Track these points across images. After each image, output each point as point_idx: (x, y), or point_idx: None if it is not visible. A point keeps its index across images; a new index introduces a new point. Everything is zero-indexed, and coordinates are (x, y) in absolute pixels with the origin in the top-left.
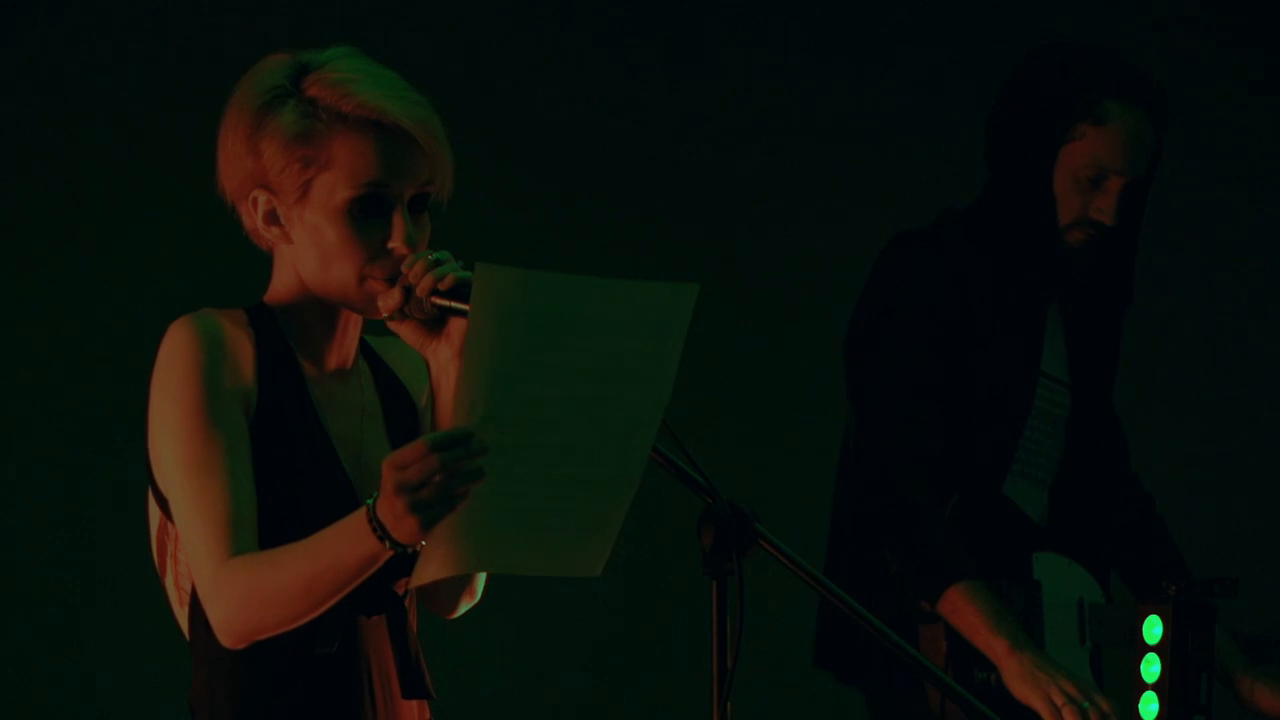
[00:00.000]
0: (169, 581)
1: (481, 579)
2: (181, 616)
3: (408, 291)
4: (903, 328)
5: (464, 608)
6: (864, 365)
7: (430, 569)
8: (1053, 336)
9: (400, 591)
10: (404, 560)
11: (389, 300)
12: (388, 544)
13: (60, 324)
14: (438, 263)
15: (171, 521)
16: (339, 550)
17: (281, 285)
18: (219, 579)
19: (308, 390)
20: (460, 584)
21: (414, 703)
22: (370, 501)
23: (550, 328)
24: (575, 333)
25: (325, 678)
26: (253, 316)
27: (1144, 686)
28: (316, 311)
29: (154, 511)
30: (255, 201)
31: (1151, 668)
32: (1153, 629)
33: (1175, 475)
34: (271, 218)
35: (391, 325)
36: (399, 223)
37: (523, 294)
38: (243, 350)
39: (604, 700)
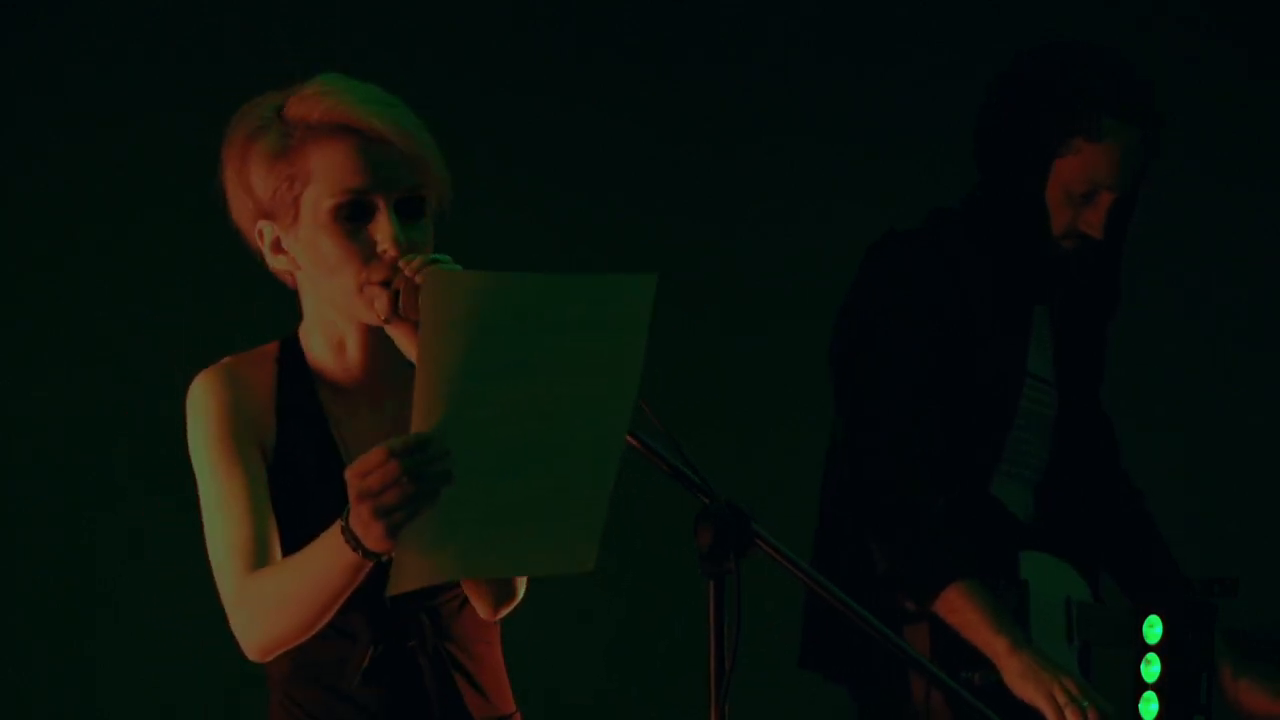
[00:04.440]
0: None
1: (522, 581)
2: None
3: (397, 294)
4: (903, 327)
5: (504, 610)
6: (862, 365)
7: (406, 578)
8: (1040, 337)
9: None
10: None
11: (379, 306)
12: (360, 553)
13: (59, 324)
14: (434, 262)
15: None
16: (322, 563)
17: (308, 312)
18: (239, 594)
19: (328, 429)
20: (502, 588)
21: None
22: (345, 512)
23: (504, 328)
24: (531, 331)
25: (376, 707)
26: (283, 351)
27: (1144, 686)
28: (334, 334)
29: None
30: (261, 234)
31: (1151, 668)
32: (1153, 629)
33: (1174, 475)
34: (278, 246)
35: (389, 330)
36: (384, 224)
37: (471, 297)
38: (259, 399)
39: (602, 700)
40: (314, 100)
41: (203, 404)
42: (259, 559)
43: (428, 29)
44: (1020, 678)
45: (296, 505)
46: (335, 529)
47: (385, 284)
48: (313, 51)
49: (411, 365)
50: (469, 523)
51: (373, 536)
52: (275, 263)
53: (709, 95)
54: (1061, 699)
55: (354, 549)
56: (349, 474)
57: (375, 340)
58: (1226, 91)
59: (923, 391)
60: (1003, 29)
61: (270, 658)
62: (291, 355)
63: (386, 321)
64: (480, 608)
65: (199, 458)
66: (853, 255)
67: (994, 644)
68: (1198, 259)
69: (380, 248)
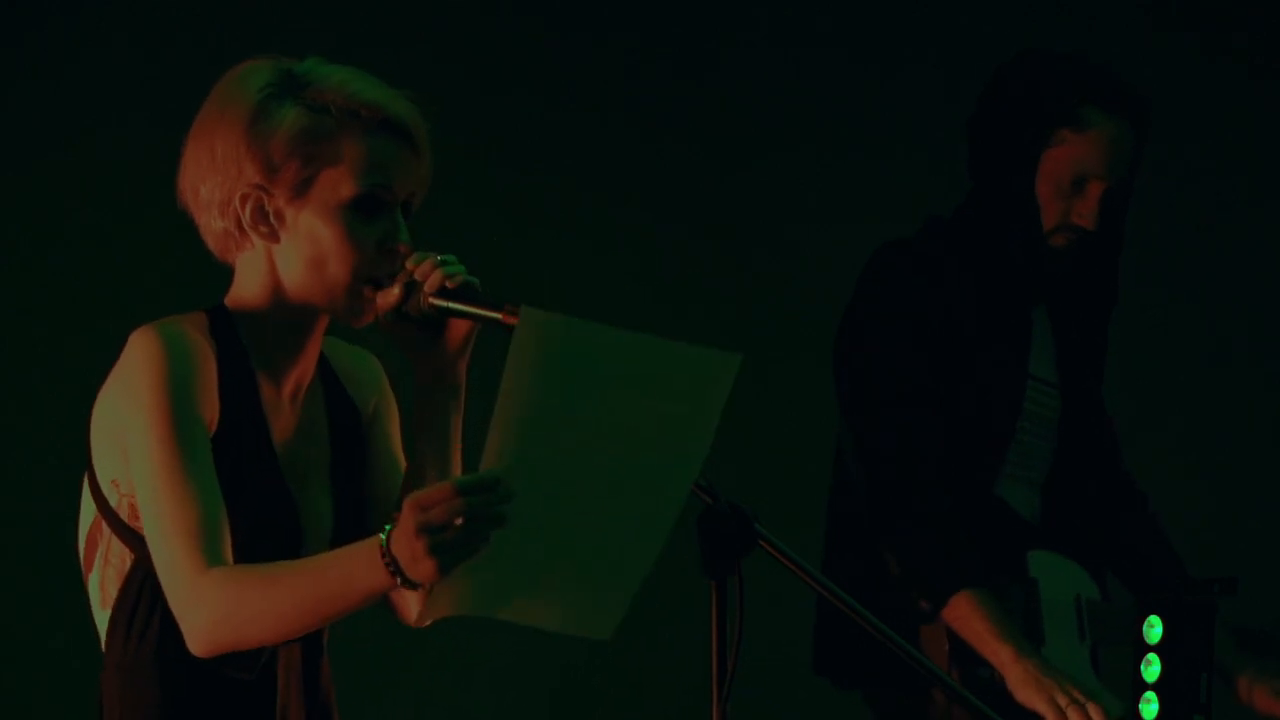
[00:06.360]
0: (93, 579)
1: None
2: (101, 618)
3: (409, 288)
4: (888, 333)
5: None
6: (855, 370)
7: (439, 607)
8: (1041, 338)
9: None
10: None
11: (388, 297)
12: (399, 580)
13: (56, 324)
14: (445, 263)
15: (106, 519)
16: (346, 577)
17: (252, 289)
18: (198, 588)
19: (264, 413)
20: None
21: None
22: (384, 535)
23: (589, 380)
24: (613, 388)
25: (237, 700)
26: (214, 323)
27: (1144, 686)
28: (285, 320)
29: (88, 508)
30: (244, 200)
31: (1151, 668)
32: (1152, 629)
33: (1174, 475)
34: (260, 215)
35: (384, 328)
36: (400, 223)
37: (565, 342)
38: (207, 366)
39: (604, 703)
40: (349, 88)
41: (158, 360)
42: (211, 546)
43: (428, 30)
44: (1023, 685)
45: (230, 493)
46: (368, 548)
47: (384, 280)
48: (293, 47)
49: (322, 365)
50: (508, 565)
51: (421, 570)
52: (253, 232)
53: (709, 102)
54: (1063, 701)
55: (392, 574)
56: (408, 504)
57: (318, 336)
58: (1225, 91)
59: (920, 397)
60: (1008, 38)
61: (219, 654)
62: (224, 330)
63: (383, 319)
64: (413, 612)
65: (144, 417)
66: (855, 257)
67: (999, 652)
68: (1197, 257)
69: (394, 245)
